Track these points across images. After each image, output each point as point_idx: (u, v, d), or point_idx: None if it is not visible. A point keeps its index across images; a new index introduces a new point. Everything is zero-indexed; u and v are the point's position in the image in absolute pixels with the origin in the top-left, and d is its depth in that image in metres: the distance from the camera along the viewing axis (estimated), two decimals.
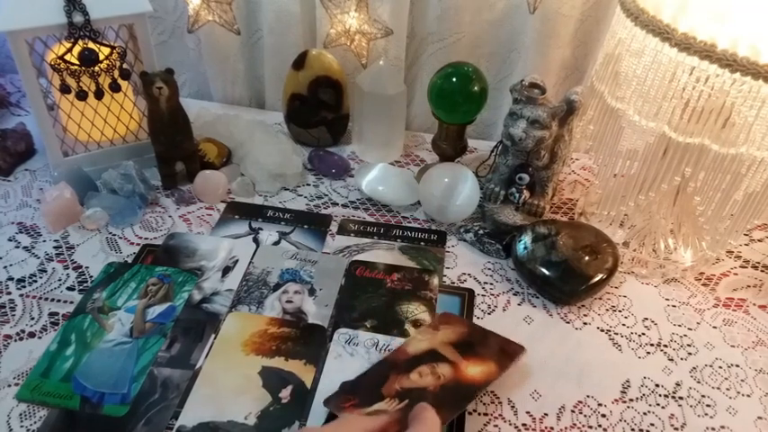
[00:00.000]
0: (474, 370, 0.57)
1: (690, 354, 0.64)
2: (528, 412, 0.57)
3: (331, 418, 0.55)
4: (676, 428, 0.57)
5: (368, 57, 0.91)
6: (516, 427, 0.56)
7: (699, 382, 0.61)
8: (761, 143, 0.57)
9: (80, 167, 0.79)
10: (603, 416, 0.58)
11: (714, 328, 0.67)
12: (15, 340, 0.61)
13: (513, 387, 0.59)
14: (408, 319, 0.65)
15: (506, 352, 0.59)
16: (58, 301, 0.65)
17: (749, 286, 0.73)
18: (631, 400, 0.59)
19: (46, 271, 0.69)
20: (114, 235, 0.74)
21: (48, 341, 0.61)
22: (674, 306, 0.70)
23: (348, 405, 0.54)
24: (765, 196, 0.61)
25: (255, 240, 0.75)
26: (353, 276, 0.70)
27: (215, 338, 0.62)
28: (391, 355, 0.60)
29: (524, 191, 0.77)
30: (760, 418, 0.58)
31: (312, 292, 0.68)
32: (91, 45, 0.73)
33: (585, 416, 0.57)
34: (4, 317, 0.63)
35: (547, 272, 0.67)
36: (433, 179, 0.77)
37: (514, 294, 0.70)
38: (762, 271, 0.75)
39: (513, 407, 0.58)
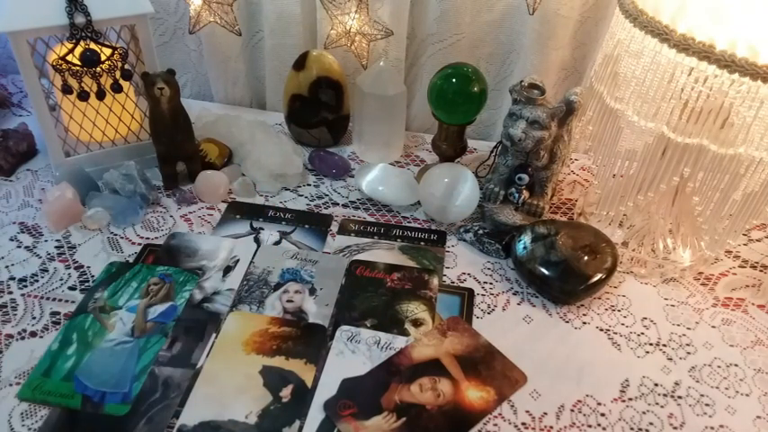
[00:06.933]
0: (474, 395, 0.58)
1: (689, 353, 0.64)
2: (527, 411, 0.57)
3: (329, 421, 0.55)
4: (675, 427, 0.57)
5: (368, 58, 0.92)
6: (516, 427, 0.56)
7: (698, 382, 0.62)
8: (759, 143, 0.57)
9: (82, 167, 0.79)
10: (603, 415, 0.58)
11: (713, 327, 0.67)
12: (17, 339, 0.61)
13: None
14: (408, 318, 0.65)
15: (508, 378, 0.60)
16: (60, 300, 0.66)
17: (748, 286, 0.73)
18: (630, 399, 0.59)
19: (47, 270, 0.69)
20: (116, 235, 0.75)
21: (49, 340, 0.61)
22: (673, 306, 0.70)
23: (346, 413, 0.55)
24: (764, 196, 0.61)
25: (256, 240, 0.75)
26: (354, 276, 0.70)
27: (216, 338, 0.62)
28: (395, 357, 0.60)
29: (524, 191, 0.77)
30: (759, 417, 0.59)
31: (313, 291, 0.68)
32: (92, 46, 0.73)
33: (585, 415, 0.58)
34: (5, 316, 0.63)
35: (546, 271, 0.68)
36: (432, 179, 0.77)
37: (514, 294, 0.70)
38: (760, 271, 0.75)
39: (512, 406, 0.58)
